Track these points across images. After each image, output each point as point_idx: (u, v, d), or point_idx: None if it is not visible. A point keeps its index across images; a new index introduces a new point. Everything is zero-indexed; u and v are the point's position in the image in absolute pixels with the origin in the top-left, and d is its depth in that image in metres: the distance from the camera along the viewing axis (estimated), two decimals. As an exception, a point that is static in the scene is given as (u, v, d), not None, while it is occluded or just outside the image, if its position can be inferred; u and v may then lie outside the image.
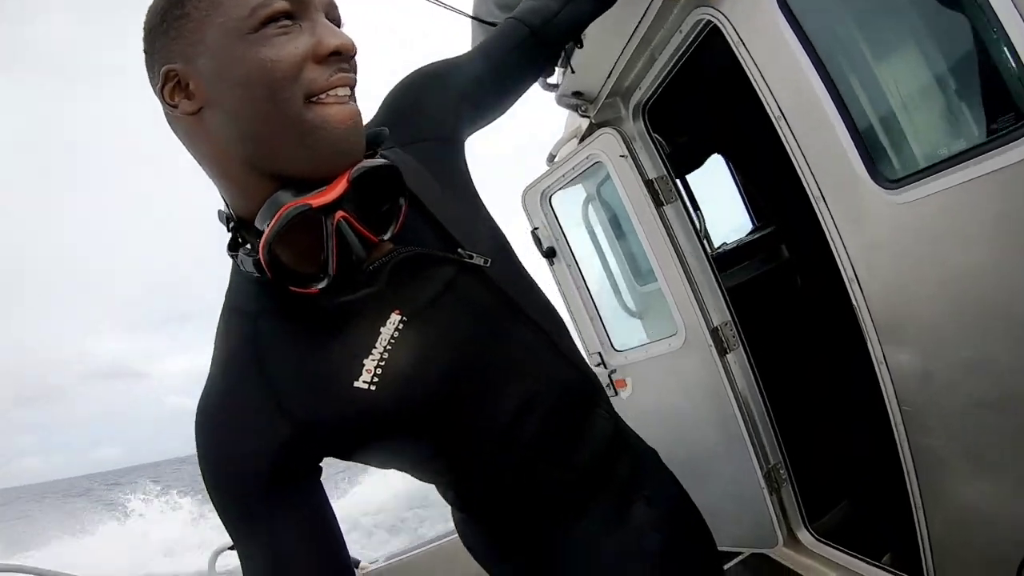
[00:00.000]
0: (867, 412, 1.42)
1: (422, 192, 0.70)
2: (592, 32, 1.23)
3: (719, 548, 1.08)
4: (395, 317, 0.65)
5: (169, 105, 0.60)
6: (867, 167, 1.13)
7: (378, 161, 0.63)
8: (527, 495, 0.75)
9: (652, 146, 2.06)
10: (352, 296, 0.62)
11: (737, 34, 1.35)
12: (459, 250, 0.70)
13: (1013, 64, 0.85)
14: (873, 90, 1.16)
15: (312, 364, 0.63)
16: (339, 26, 0.62)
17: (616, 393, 2.43)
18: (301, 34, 0.58)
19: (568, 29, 0.97)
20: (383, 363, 0.63)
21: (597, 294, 2.47)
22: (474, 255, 0.70)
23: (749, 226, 2.99)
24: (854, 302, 1.27)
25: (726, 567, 2.27)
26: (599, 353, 2.46)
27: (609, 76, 1.95)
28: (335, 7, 0.63)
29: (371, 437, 0.66)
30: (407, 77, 0.82)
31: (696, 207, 2.82)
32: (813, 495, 2.12)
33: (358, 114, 0.61)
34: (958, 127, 1.08)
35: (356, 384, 0.62)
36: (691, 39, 1.63)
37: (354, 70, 0.61)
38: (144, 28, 0.61)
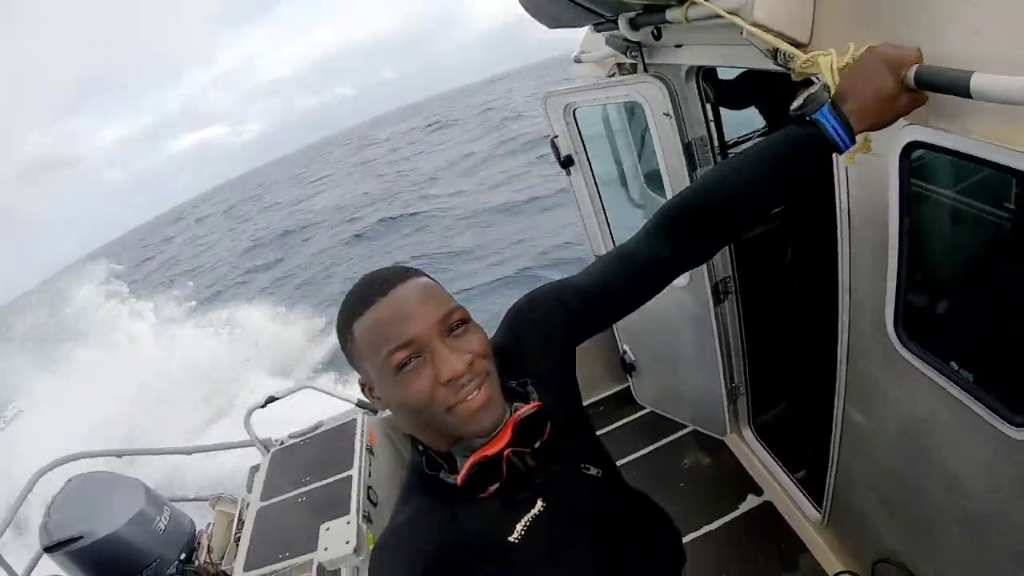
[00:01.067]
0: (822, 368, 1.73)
1: (555, 422, 0.91)
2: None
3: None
4: (539, 503, 0.91)
5: (367, 396, 0.88)
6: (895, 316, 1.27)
7: (530, 409, 0.87)
8: None
9: (700, 105, 1.94)
10: (522, 506, 0.90)
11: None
12: (581, 464, 0.98)
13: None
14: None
15: (485, 521, 0.88)
16: (458, 325, 0.81)
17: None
18: (425, 367, 0.78)
19: (677, 272, 1.04)
20: (527, 528, 0.89)
21: (609, 204, 2.53)
22: (591, 468, 0.99)
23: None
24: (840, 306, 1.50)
25: (681, 434, 2.86)
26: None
27: (680, 47, 1.74)
28: (450, 315, 0.80)
29: (507, 571, 0.90)
30: (526, 307, 1.01)
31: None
32: (762, 401, 2.60)
33: (488, 399, 0.81)
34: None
35: (509, 538, 0.88)
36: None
37: (481, 370, 0.80)
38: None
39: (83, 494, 2.48)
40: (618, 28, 1.74)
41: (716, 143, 2.03)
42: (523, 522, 0.90)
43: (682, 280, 2.31)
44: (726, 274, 2.23)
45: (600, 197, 2.50)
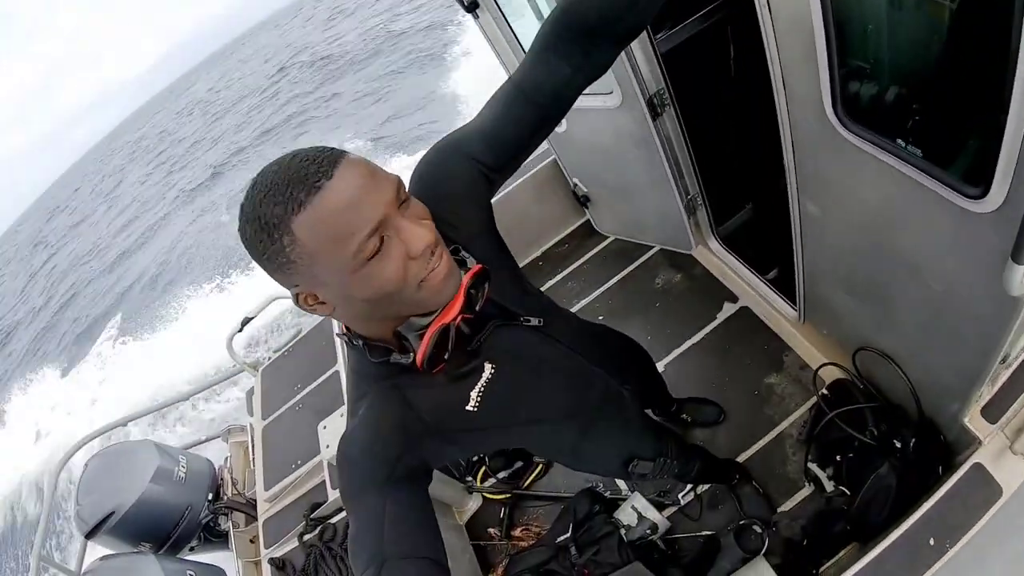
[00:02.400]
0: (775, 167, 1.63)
1: (493, 273, 0.87)
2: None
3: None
4: (488, 367, 0.90)
5: (305, 307, 0.76)
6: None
7: (476, 271, 0.81)
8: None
9: None
10: (473, 373, 0.89)
11: None
12: (520, 318, 0.97)
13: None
14: None
15: (441, 399, 0.86)
16: (405, 199, 0.72)
17: (551, 127, 2.48)
18: (392, 247, 0.70)
19: (579, 87, 0.89)
20: (482, 395, 0.88)
21: (522, 35, 2.21)
22: (531, 319, 0.99)
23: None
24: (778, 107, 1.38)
25: (648, 255, 2.80)
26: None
27: None
28: (399, 186, 0.72)
29: (475, 438, 0.94)
30: (429, 167, 0.90)
31: None
32: (721, 210, 2.49)
33: (450, 265, 0.77)
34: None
35: (467, 408, 0.88)
36: None
37: (438, 239, 0.75)
38: (247, 249, 0.71)
39: (102, 471, 2.52)
40: None
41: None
42: (477, 389, 0.89)
43: (614, 100, 2.07)
44: (658, 87, 1.98)
45: (514, 32, 2.17)
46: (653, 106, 2.01)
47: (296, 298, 0.75)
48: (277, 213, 0.66)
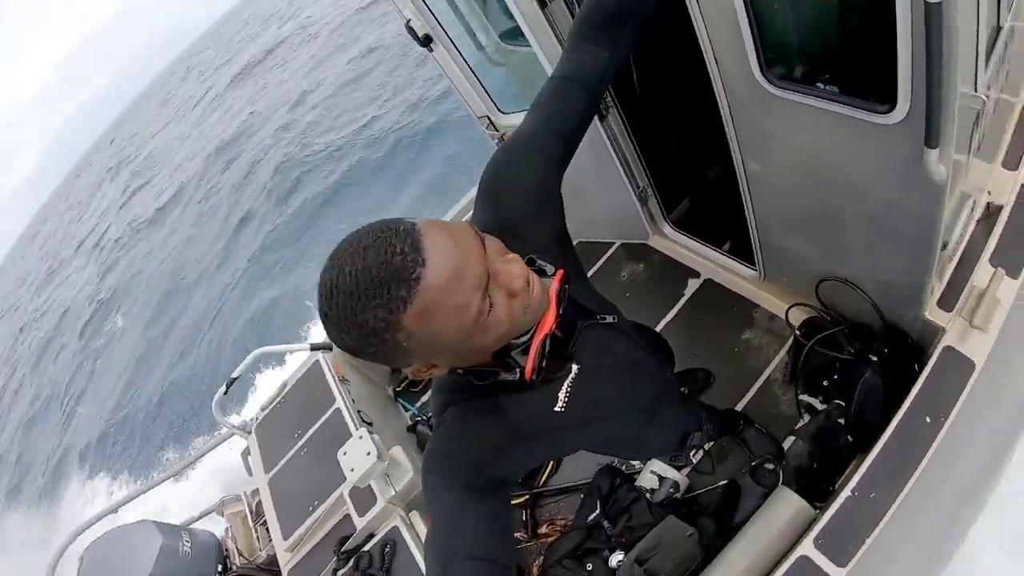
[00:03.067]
0: (715, 147, 1.89)
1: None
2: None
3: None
4: (574, 368, 0.95)
5: (420, 376, 0.79)
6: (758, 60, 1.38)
7: (561, 279, 0.85)
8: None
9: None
10: (560, 374, 0.93)
11: None
12: (598, 317, 1.02)
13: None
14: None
15: (532, 404, 0.90)
16: (485, 243, 0.74)
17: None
18: (496, 294, 0.72)
19: (617, 71, 1.03)
20: (568, 395, 0.93)
21: (476, 67, 2.47)
22: (606, 317, 1.04)
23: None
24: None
25: (611, 252, 3.05)
26: (487, 116, 2.62)
27: None
28: (478, 233, 0.73)
29: (560, 439, 0.98)
30: (495, 174, 0.95)
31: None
32: (671, 197, 2.79)
33: (539, 282, 0.79)
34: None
35: (555, 409, 0.92)
36: None
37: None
38: (350, 352, 0.70)
39: (101, 561, 2.45)
40: None
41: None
42: (564, 389, 0.93)
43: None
44: (600, 92, 2.27)
45: (467, 62, 2.42)
46: (599, 112, 2.29)
47: (412, 374, 0.78)
48: (382, 317, 0.64)
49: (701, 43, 1.54)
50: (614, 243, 3.07)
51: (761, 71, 1.44)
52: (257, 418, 2.95)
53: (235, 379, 2.91)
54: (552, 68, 2.11)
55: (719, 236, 2.61)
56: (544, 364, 0.84)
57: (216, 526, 3.02)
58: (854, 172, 1.48)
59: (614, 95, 2.29)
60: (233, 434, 2.93)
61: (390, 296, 0.63)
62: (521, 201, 0.94)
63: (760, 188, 1.89)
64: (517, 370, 0.84)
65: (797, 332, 2.05)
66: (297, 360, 3.07)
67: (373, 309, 0.64)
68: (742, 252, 2.36)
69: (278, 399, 2.97)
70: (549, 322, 0.82)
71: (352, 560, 2.08)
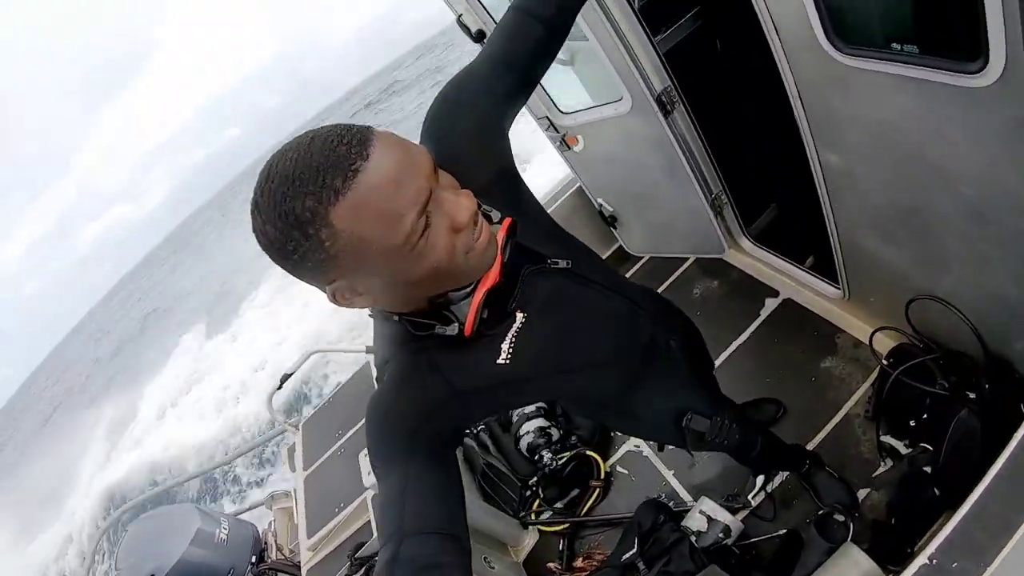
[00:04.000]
0: (792, 151, 1.68)
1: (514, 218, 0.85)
2: None
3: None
4: (519, 316, 0.88)
5: (342, 303, 0.74)
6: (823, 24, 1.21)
7: (508, 227, 0.81)
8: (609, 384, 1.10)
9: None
10: (504, 324, 0.86)
11: None
12: (548, 261, 0.93)
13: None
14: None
15: (470, 359, 0.85)
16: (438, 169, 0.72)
17: (569, 148, 2.61)
18: (437, 221, 0.69)
19: (579, 3, 0.97)
20: (513, 346, 0.86)
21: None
22: (559, 261, 0.94)
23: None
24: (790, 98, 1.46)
25: (684, 268, 2.84)
26: (547, 117, 2.54)
27: None
28: (433, 159, 0.71)
29: (509, 392, 0.91)
30: (440, 112, 0.90)
31: None
32: (747, 205, 2.54)
33: (489, 232, 0.76)
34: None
35: (498, 361, 0.85)
36: None
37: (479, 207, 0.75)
38: (269, 252, 0.68)
39: (141, 537, 2.57)
40: None
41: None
42: (508, 340, 0.86)
43: (624, 106, 2.20)
44: (664, 84, 2.11)
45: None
46: (663, 104, 2.13)
47: (332, 295, 0.72)
48: (309, 206, 0.61)
49: (757, 10, 1.38)
50: (688, 258, 2.85)
51: (826, 36, 1.25)
52: (307, 415, 3.02)
53: (289, 375, 2.98)
54: (610, 61, 2.06)
55: (802, 250, 2.34)
56: (485, 317, 0.81)
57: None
58: (945, 153, 1.23)
59: (679, 87, 2.13)
60: (285, 430, 3.01)
61: (323, 184, 0.61)
62: (464, 141, 0.88)
63: (839, 185, 1.65)
64: (456, 324, 0.80)
65: (883, 361, 1.75)
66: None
67: (303, 196, 0.61)
68: (826, 268, 2.08)
69: (327, 399, 3.02)
70: (493, 275, 0.79)
71: (363, 568, 2.02)
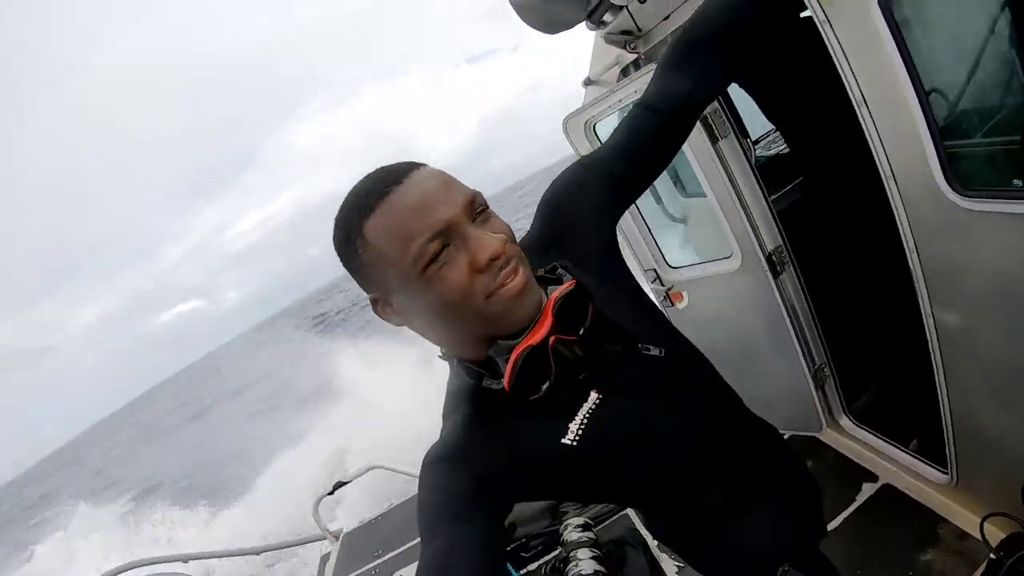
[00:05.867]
0: (902, 320, 1.69)
1: (599, 298, 0.87)
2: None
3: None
4: (593, 395, 0.86)
5: (381, 315, 0.83)
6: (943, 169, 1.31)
7: (567, 289, 0.83)
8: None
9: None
10: (575, 400, 0.86)
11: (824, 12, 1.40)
12: (639, 345, 0.92)
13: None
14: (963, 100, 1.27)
15: (533, 427, 0.84)
16: (481, 211, 0.78)
17: (672, 304, 2.74)
18: (458, 255, 0.74)
19: (699, 103, 1.04)
20: (583, 426, 0.85)
21: (647, 214, 2.68)
22: (651, 348, 0.92)
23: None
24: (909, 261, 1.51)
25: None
26: (654, 270, 2.73)
27: (668, 18, 2.01)
28: (474, 199, 0.77)
29: (571, 477, 0.88)
30: (557, 184, 1.00)
31: (746, 134, 2.91)
32: (851, 381, 2.50)
33: (526, 281, 0.78)
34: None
35: (563, 440, 0.84)
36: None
37: (513, 254, 0.78)
38: (338, 257, 0.81)
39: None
40: (612, 21, 2.02)
41: (730, 114, 2.19)
42: (578, 420, 0.85)
43: (733, 263, 2.36)
44: (776, 244, 2.28)
45: (639, 211, 2.65)
46: (772, 264, 2.28)
47: (373, 304, 0.82)
48: (352, 219, 0.75)
49: (876, 159, 1.53)
50: (782, 435, 2.74)
51: (947, 180, 1.37)
52: (350, 528, 2.93)
53: (344, 484, 2.98)
54: (724, 216, 2.27)
55: (905, 432, 2.25)
56: (550, 384, 0.81)
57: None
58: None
59: (789, 247, 2.28)
60: (324, 537, 2.92)
61: (364, 202, 0.75)
62: (573, 219, 0.96)
63: (955, 348, 1.65)
64: (499, 380, 0.82)
65: (993, 554, 1.59)
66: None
67: (349, 211, 0.76)
68: (932, 452, 1.98)
69: (377, 516, 2.95)
70: (539, 332, 0.79)
71: None
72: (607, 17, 2.07)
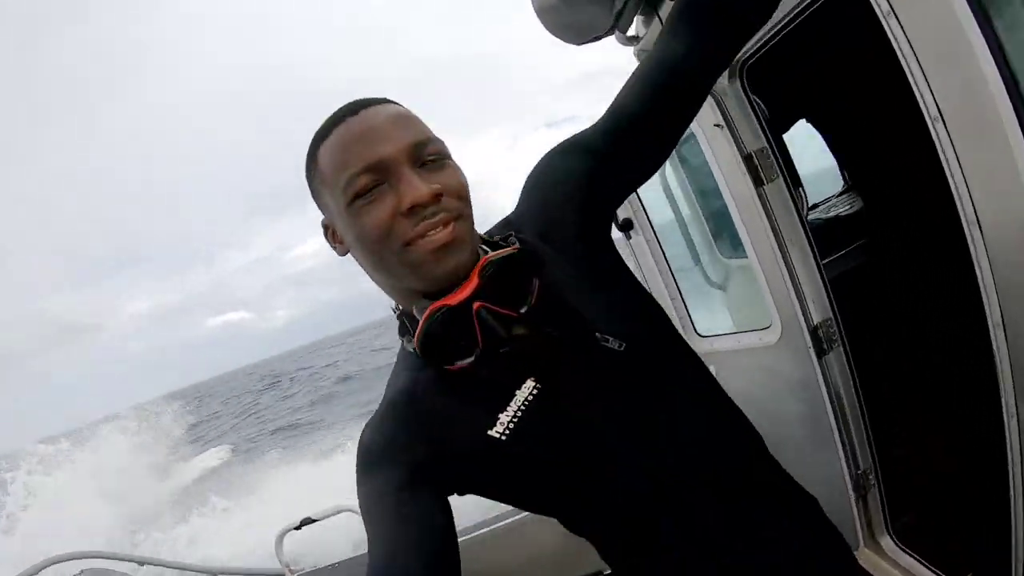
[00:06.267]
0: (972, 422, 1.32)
1: (561, 280, 0.81)
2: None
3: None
4: (530, 383, 0.78)
5: (329, 241, 0.82)
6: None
7: (504, 252, 0.76)
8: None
9: (751, 112, 1.88)
10: (492, 370, 0.76)
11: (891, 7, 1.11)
12: (596, 334, 0.80)
13: None
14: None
15: (458, 412, 0.79)
16: (432, 160, 0.74)
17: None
18: (386, 196, 0.72)
19: (702, 66, 0.87)
20: (516, 418, 0.77)
21: (677, 270, 2.39)
22: (609, 339, 0.80)
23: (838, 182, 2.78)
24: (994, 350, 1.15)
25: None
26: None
27: None
28: (425, 144, 0.74)
29: (496, 478, 0.83)
30: (540, 161, 0.91)
31: (798, 182, 2.59)
32: (898, 493, 2.07)
33: (453, 239, 0.73)
34: None
35: (490, 432, 0.77)
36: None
37: (450, 208, 0.73)
38: None
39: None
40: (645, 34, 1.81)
41: (779, 156, 1.90)
42: (510, 411, 0.78)
43: (772, 335, 2.03)
44: (824, 316, 1.93)
45: (665, 257, 2.37)
46: (818, 340, 1.93)
47: (324, 230, 0.82)
48: (313, 142, 0.77)
49: (955, 195, 1.18)
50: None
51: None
52: (304, 569, 2.68)
53: (311, 521, 2.77)
54: (766, 280, 1.97)
55: (959, 561, 1.81)
56: (476, 355, 0.74)
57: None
58: None
59: (841, 326, 1.92)
60: (284, 572, 2.69)
61: (324, 127, 0.76)
62: (556, 201, 0.87)
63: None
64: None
65: None
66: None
67: (315, 135, 0.77)
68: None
69: (339, 561, 2.69)
70: (459, 293, 0.73)
71: None
72: (639, 29, 1.86)
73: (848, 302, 1.96)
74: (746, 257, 1.97)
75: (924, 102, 1.13)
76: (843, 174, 2.87)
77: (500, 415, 0.77)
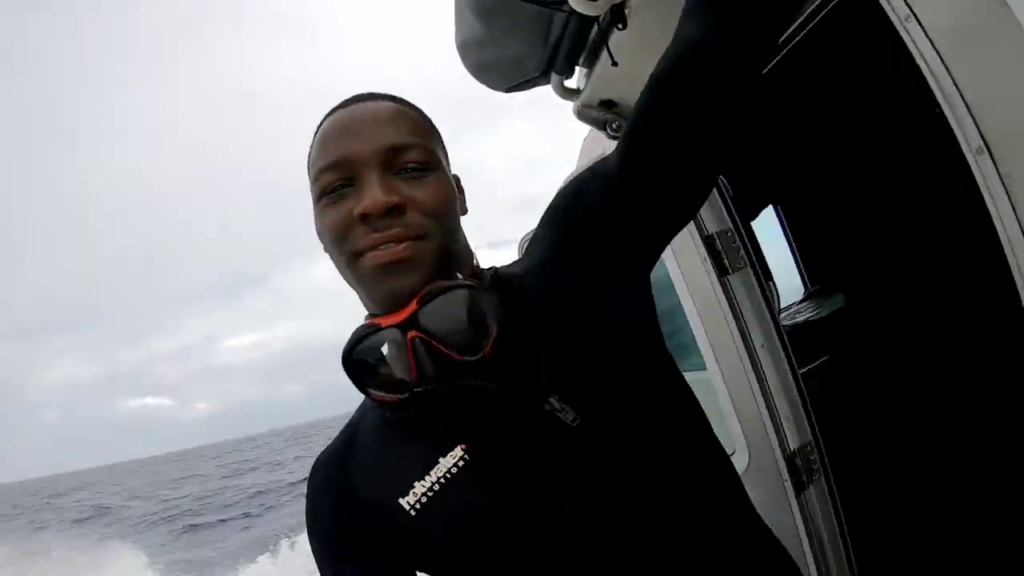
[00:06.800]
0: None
1: (539, 324, 0.71)
2: (638, 20, 0.98)
3: None
4: (459, 451, 0.69)
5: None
6: None
7: (446, 284, 0.65)
8: None
9: (715, 188, 1.52)
10: (411, 413, 0.68)
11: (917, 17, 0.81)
12: (550, 399, 0.68)
13: None
14: None
15: (380, 466, 0.74)
16: (411, 168, 0.69)
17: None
18: (347, 200, 0.68)
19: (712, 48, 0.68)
20: (431, 492, 0.68)
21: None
22: (565, 409, 0.67)
23: (798, 288, 2.55)
24: None
25: None
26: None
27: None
28: (404, 149, 0.69)
29: (402, 552, 0.74)
30: (557, 197, 0.81)
31: (768, 275, 2.29)
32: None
33: (407, 258, 0.66)
34: None
35: (400, 501, 0.69)
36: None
37: (412, 223, 0.67)
38: None
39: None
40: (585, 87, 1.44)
41: (747, 243, 1.54)
42: (428, 480, 0.69)
43: (738, 463, 1.62)
44: (803, 440, 1.54)
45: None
46: (795, 470, 1.53)
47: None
48: (316, 129, 0.75)
49: (1009, 255, 0.84)
50: None
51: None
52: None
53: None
54: (730, 395, 1.58)
55: None
56: (408, 393, 0.65)
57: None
58: None
59: (823, 453, 1.54)
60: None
61: (324, 116, 0.74)
62: (575, 216, 0.78)
63: None
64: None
65: None
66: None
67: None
68: None
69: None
70: (398, 316, 0.65)
71: None
72: (577, 80, 1.48)
73: (832, 422, 1.60)
74: (704, 369, 1.56)
75: (961, 131, 0.82)
76: (803, 277, 2.62)
77: (416, 483, 0.69)
